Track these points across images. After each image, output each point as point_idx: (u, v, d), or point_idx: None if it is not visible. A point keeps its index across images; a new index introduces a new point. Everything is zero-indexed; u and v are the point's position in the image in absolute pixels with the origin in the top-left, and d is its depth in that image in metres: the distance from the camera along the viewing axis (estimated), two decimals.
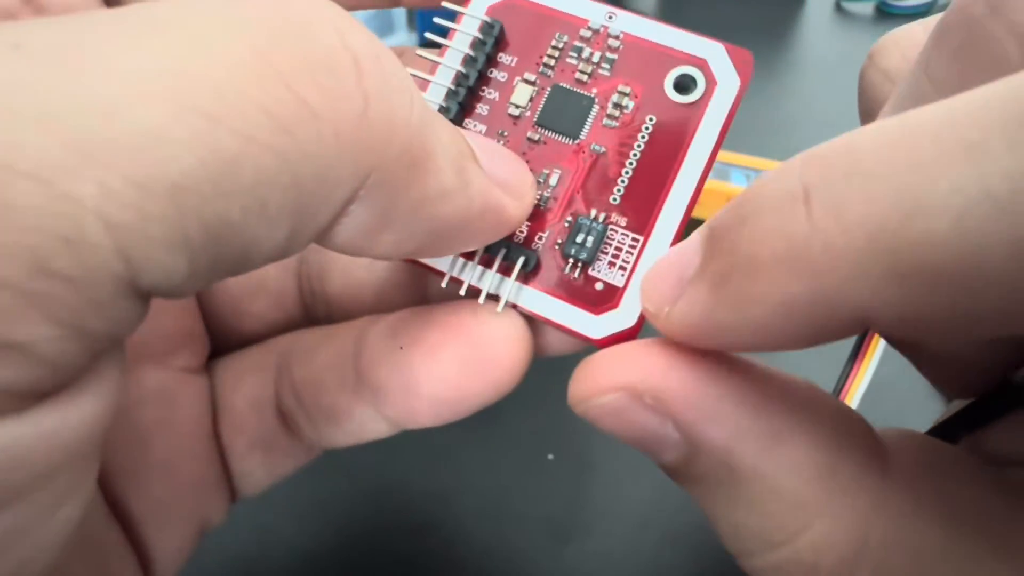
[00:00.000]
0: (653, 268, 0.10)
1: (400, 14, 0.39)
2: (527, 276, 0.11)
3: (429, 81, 0.12)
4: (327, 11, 0.08)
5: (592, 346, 0.12)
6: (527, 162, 0.11)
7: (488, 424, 0.21)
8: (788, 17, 0.45)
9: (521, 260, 0.10)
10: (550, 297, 0.11)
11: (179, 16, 0.07)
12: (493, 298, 0.11)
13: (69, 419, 0.07)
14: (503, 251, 0.10)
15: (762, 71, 0.39)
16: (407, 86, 0.08)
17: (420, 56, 0.12)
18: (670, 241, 0.11)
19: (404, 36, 0.40)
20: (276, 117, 0.07)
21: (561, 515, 0.19)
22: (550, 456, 0.20)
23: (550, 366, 0.24)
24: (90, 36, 0.07)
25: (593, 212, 0.11)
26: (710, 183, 0.28)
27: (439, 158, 0.09)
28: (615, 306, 0.11)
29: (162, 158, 0.07)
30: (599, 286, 0.11)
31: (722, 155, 0.29)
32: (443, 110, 0.11)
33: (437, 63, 0.11)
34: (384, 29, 0.39)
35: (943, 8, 0.42)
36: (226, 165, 0.07)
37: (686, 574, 0.18)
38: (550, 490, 0.20)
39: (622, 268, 0.11)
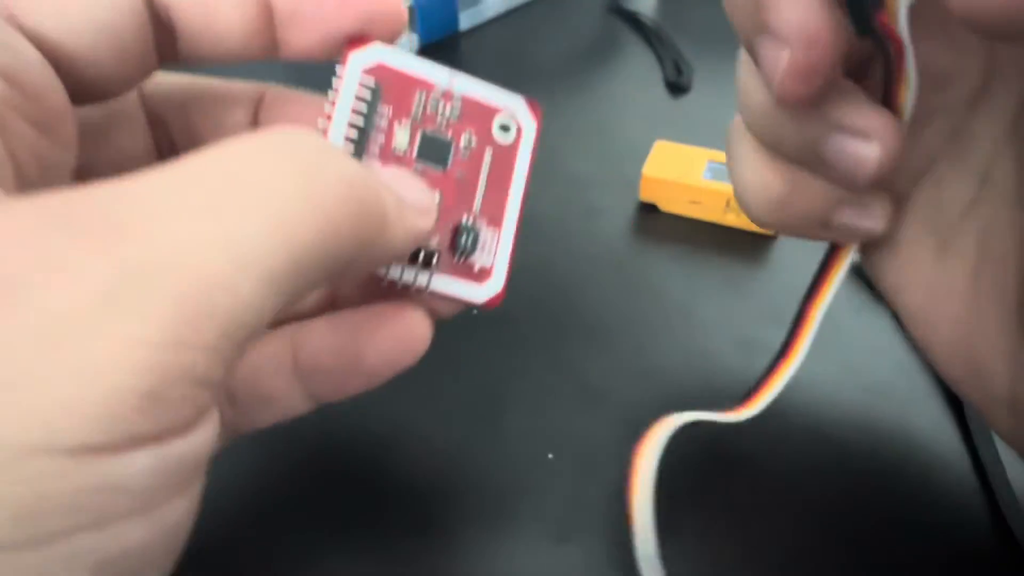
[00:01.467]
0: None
1: None
2: (432, 269, 0.15)
3: (328, 127, 0.14)
4: (328, 156, 0.11)
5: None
6: None
7: (488, 424, 0.21)
8: None
9: (430, 257, 0.15)
10: (449, 279, 0.15)
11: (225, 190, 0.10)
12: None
13: (213, 431, 0.10)
14: (419, 254, 0.15)
15: None
16: (376, 185, 0.12)
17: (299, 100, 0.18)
18: (514, 229, 0.16)
19: (404, 37, 0.40)
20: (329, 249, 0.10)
21: (561, 515, 0.19)
22: (550, 456, 0.21)
23: (550, 366, 0.24)
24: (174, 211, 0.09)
25: (466, 218, 0.16)
26: (710, 184, 0.28)
27: (393, 222, 0.12)
28: (490, 277, 0.16)
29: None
30: (477, 268, 0.16)
31: (722, 156, 0.29)
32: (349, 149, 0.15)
33: (330, 114, 0.14)
34: None
35: None
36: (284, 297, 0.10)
37: (685, 572, 0.18)
38: (550, 490, 0.20)
39: (489, 252, 0.16)
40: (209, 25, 0.13)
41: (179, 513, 0.10)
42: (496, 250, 0.16)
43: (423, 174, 0.15)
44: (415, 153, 0.15)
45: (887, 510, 0.19)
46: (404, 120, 0.15)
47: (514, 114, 0.16)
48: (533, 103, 0.16)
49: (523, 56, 0.41)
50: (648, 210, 0.29)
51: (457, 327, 0.23)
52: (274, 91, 0.16)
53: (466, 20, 0.43)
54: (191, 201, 0.09)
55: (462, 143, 0.16)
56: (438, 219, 0.15)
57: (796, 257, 0.27)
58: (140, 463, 0.09)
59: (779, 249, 0.28)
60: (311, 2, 0.13)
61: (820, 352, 0.24)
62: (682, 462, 0.20)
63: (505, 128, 0.16)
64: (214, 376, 0.09)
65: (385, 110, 0.15)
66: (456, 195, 0.15)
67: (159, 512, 0.09)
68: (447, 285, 0.15)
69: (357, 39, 0.14)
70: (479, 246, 0.16)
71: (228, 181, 0.10)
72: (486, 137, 0.16)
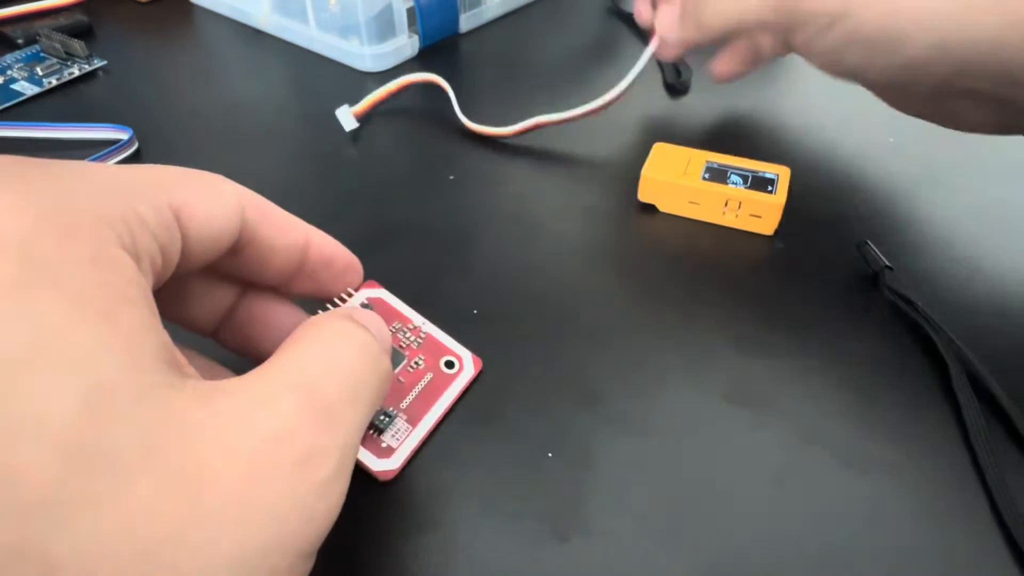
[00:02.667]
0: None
1: (401, 17, 0.39)
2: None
3: None
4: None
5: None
6: None
7: (488, 423, 0.21)
8: None
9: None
10: (360, 447, 0.20)
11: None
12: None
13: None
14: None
15: (761, 71, 0.39)
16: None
17: None
18: (425, 433, 0.21)
19: (405, 39, 0.40)
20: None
21: (560, 514, 0.19)
22: (550, 455, 0.21)
23: (550, 366, 0.24)
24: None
25: (391, 408, 0.21)
26: (709, 184, 0.28)
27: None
28: (390, 456, 0.20)
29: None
30: (384, 446, 0.20)
31: (720, 157, 0.29)
32: None
33: None
34: (386, 32, 0.39)
35: None
36: None
37: (685, 572, 0.18)
38: (550, 489, 0.20)
39: (398, 439, 0.20)
40: (264, 262, 0.18)
41: None
42: (404, 440, 0.20)
43: None
44: None
45: (885, 509, 0.19)
46: None
47: (461, 358, 0.22)
48: (477, 359, 0.23)
49: (523, 57, 0.41)
50: (647, 211, 0.29)
51: (457, 327, 0.23)
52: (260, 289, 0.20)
53: (466, 22, 0.43)
54: (346, 397, 0.14)
55: (413, 361, 0.22)
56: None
57: (794, 257, 0.27)
58: (309, 565, 0.14)
59: (777, 249, 0.28)
60: (324, 272, 0.19)
61: (820, 353, 0.24)
62: (681, 458, 0.21)
63: (450, 365, 0.22)
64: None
65: None
66: (394, 392, 0.21)
67: None
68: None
69: (370, 282, 0.21)
70: (391, 431, 0.20)
71: (354, 382, 0.15)
72: (432, 365, 0.22)
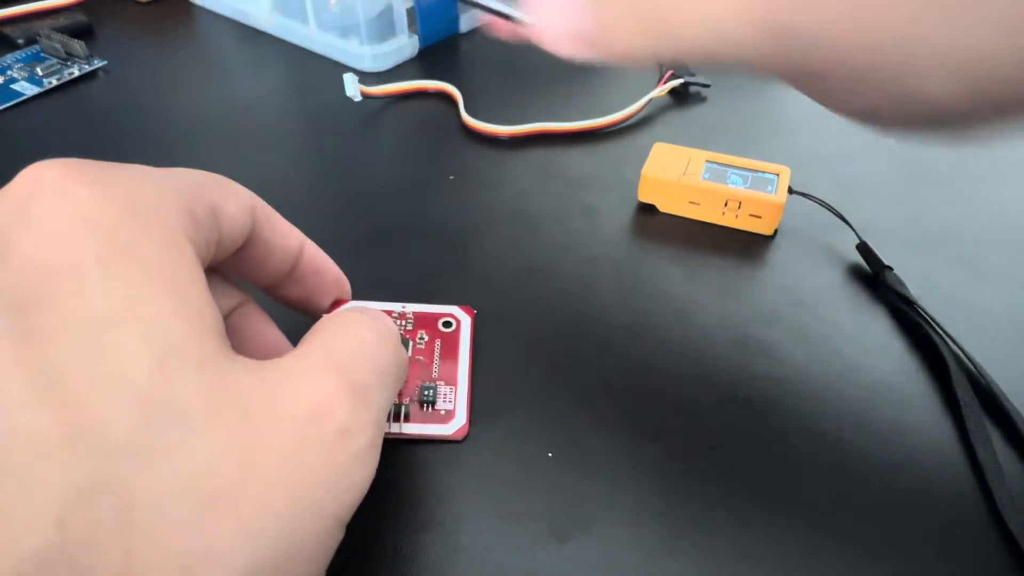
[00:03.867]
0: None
1: (401, 17, 0.39)
2: (401, 421, 0.21)
3: None
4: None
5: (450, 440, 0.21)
6: None
7: (488, 422, 0.21)
8: None
9: (398, 412, 0.21)
10: (421, 425, 0.21)
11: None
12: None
13: None
14: (397, 411, 0.21)
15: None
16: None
17: None
18: (467, 383, 0.22)
19: (405, 39, 0.40)
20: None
21: (560, 513, 0.19)
22: (549, 454, 0.21)
23: (550, 365, 0.24)
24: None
25: (426, 383, 0.22)
26: (709, 184, 0.28)
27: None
28: (454, 418, 0.21)
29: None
30: (443, 412, 0.21)
31: (720, 157, 0.29)
32: None
33: None
34: (386, 32, 0.39)
35: None
36: None
37: (685, 572, 0.18)
38: (550, 489, 0.20)
39: (449, 401, 0.21)
40: (260, 262, 0.19)
41: None
42: (455, 399, 0.22)
43: None
44: None
45: (885, 509, 0.19)
46: None
47: (453, 315, 0.24)
48: (466, 308, 0.24)
49: (523, 57, 0.41)
50: (647, 210, 0.29)
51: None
52: (251, 308, 0.21)
53: (466, 22, 0.43)
54: (375, 379, 0.16)
55: (417, 339, 0.23)
56: (406, 386, 0.22)
57: (794, 257, 0.27)
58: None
59: (776, 249, 0.28)
60: (312, 280, 0.20)
61: (820, 354, 0.24)
62: (681, 456, 0.21)
63: (448, 324, 0.24)
64: None
65: None
66: (419, 371, 0.22)
67: None
68: (419, 428, 0.21)
69: (340, 301, 0.22)
70: (439, 398, 0.21)
71: (379, 362, 0.16)
72: (435, 333, 0.23)
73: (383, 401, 0.16)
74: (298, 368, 0.15)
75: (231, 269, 0.19)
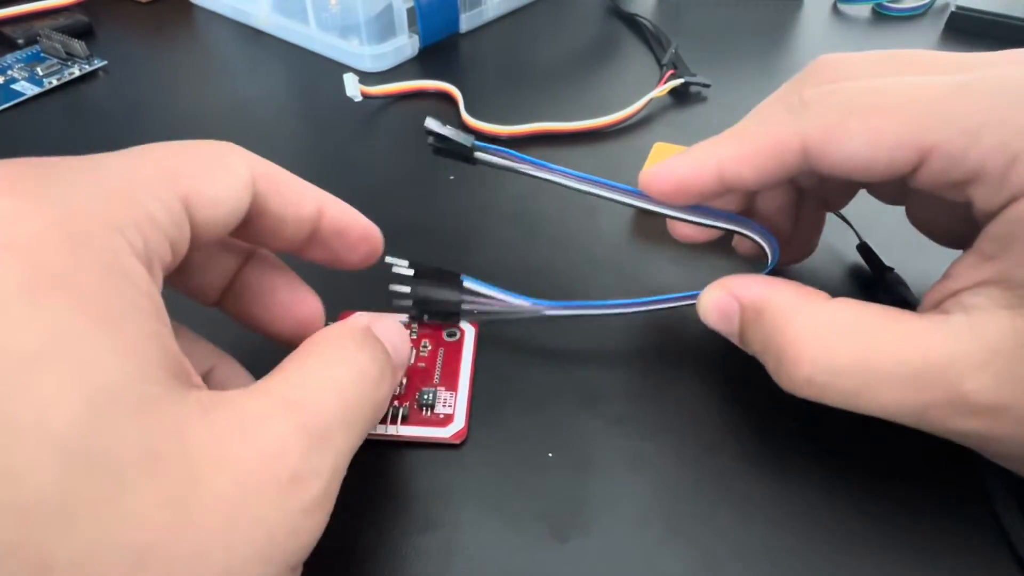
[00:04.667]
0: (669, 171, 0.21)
1: (401, 17, 0.39)
2: (399, 423, 0.21)
3: None
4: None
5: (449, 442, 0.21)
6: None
7: (488, 422, 0.21)
8: (786, 19, 0.45)
9: (396, 415, 0.21)
10: (419, 427, 0.21)
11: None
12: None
13: None
14: (395, 414, 0.21)
15: (760, 73, 0.39)
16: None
17: None
18: (467, 389, 0.22)
19: (405, 39, 0.40)
20: None
21: (560, 513, 0.19)
22: (550, 455, 0.21)
23: (550, 365, 0.24)
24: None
25: (426, 388, 0.22)
26: None
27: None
28: (452, 421, 0.21)
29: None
30: (441, 416, 0.21)
31: None
32: None
33: None
34: (386, 32, 0.39)
35: (938, 12, 0.42)
36: None
37: (685, 572, 0.18)
38: (550, 489, 0.20)
39: (448, 406, 0.22)
40: (275, 232, 0.18)
41: None
42: (454, 404, 0.22)
43: None
44: None
45: (885, 509, 0.19)
46: None
47: (458, 326, 0.24)
48: (475, 324, 0.24)
49: (523, 57, 0.41)
50: (647, 211, 0.29)
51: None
52: (263, 254, 0.21)
53: (466, 22, 0.43)
54: (340, 420, 0.15)
55: (420, 347, 0.23)
56: (405, 391, 0.22)
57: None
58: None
59: None
60: (337, 241, 0.19)
61: None
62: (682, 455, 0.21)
63: (452, 334, 0.24)
64: None
65: None
66: (420, 376, 0.22)
67: None
68: (417, 431, 0.21)
69: (346, 313, 0.23)
70: (438, 403, 0.22)
71: (349, 404, 0.15)
72: (438, 342, 0.23)
73: (346, 445, 0.15)
74: (252, 407, 0.14)
75: (240, 239, 0.18)
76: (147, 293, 0.13)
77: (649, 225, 0.29)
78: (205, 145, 0.16)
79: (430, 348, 0.23)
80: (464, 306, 0.23)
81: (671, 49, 0.39)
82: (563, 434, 0.21)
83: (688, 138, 0.32)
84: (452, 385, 0.22)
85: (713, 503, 0.19)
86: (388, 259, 0.22)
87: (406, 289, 0.23)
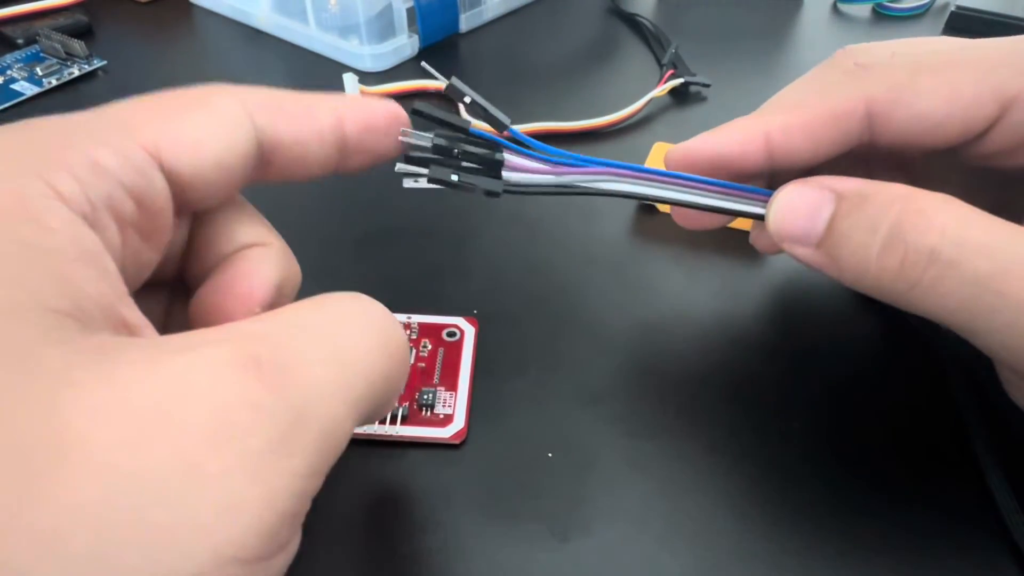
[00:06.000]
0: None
1: (401, 16, 0.39)
2: (398, 423, 0.21)
3: None
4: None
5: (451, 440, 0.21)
6: None
7: (488, 422, 0.21)
8: (786, 19, 0.45)
9: (395, 416, 0.21)
10: (419, 428, 0.21)
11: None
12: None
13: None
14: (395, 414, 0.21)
15: (760, 73, 0.39)
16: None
17: None
18: (467, 389, 0.22)
19: (404, 39, 0.40)
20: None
21: (560, 513, 0.19)
22: (550, 455, 0.21)
23: (550, 366, 0.24)
24: None
25: (426, 388, 0.22)
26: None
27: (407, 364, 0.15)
28: (452, 421, 0.21)
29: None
30: (441, 417, 0.21)
31: None
32: None
33: None
34: (386, 32, 0.39)
35: (938, 12, 0.42)
36: None
37: (685, 572, 0.18)
38: (550, 489, 0.20)
39: (448, 406, 0.21)
40: (300, 160, 0.16)
41: None
42: (454, 404, 0.21)
43: None
44: None
45: (885, 509, 0.19)
46: None
47: (457, 325, 0.24)
48: (470, 319, 0.24)
49: (523, 57, 0.41)
50: (647, 211, 0.29)
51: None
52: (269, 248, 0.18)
53: (466, 22, 0.43)
54: (322, 353, 0.12)
55: (420, 347, 0.23)
56: (405, 391, 0.21)
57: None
58: (281, 562, 0.11)
59: None
60: (369, 138, 0.17)
61: (820, 355, 0.24)
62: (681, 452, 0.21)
63: (452, 334, 0.24)
64: (319, 489, 0.12)
65: None
66: (420, 376, 0.22)
67: None
68: (417, 431, 0.21)
69: None
70: (438, 403, 0.21)
71: (342, 340, 0.13)
72: (438, 342, 0.23)
73: (329, 381, 0.12)
74: (184, 342, 0.11)
75: (271, 179, 0.16)
76: (60, 232, 0.11)
77: (649, 225, 0.29)
78: (185, 91, 0.15)
79: (430, 348, 0.23)
80: (505, 174, 0.19)
81: (671, 49, 0.39)
82: (563, 434, 0.21)
83: (688, 138, 0.32)
84: (452, 385, 0.22)
85: (713, 503, 0.19)
86: (424, 64, 0.19)
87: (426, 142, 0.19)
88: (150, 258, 0.14)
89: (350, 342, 0.13)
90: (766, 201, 0.18)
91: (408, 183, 0.18)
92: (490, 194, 0.18)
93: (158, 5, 0.46)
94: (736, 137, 0.18)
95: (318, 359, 0.12)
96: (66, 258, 0.11)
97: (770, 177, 0.20)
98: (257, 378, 0.10)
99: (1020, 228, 0.15)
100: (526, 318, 0.25)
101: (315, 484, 0.11)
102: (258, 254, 0.16)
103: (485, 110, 0.19)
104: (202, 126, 0.14)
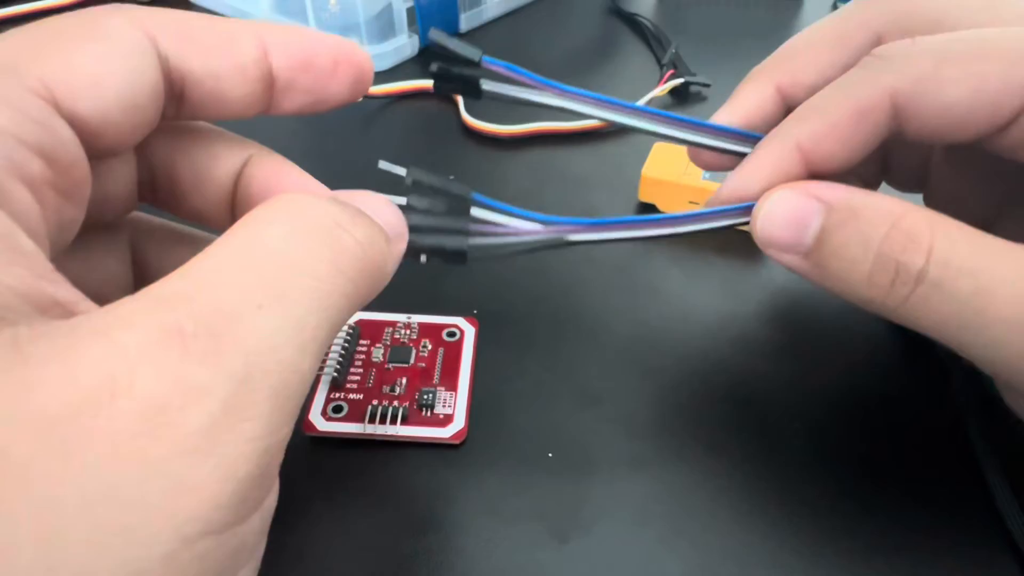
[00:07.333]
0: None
1: (401, 16, 0.39)
2: (398, 424, 0.21)
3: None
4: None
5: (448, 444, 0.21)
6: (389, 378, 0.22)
7: (488, 422, 0.21)
8: (785, 19, 0.45)
9: (396, 415, 0.21)
10: (419, 428, 0.21)
11: None
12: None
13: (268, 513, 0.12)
14: (395, 414, 0.21)
15: None
16: None
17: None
18: (467, 388, 0.22)
19: (404, 39, 0.40)
20: None
21: (560, 513, 0.19)
22: (549, 454, 0.21)
23: (550, 366, 0.24)
24: None
25: (426, 388, 0.22)
26: (709, 184, 0.28)
27: (388, 261, 0.14)
28: (452, 421, 0.21)
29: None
30: (441, 416, 0.21)
31: None
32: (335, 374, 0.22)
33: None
34: (386, 32, 0.39)
35: None
36: None
37: (685, 572, 0.18)
38: (550, 489, 0.20)
39: (448, 406, 0.21)
40: (217, 97, 0.14)
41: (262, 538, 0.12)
42: (454, 404, 0.21)
43: (395, 370, 0.22)
44: (387, 358, 0.23)
45: (885, 509, 0.19)
46: (378, 344, 0.23)
47: (457, 325, 0.24)
48: (471, 319, 0.24)
49: (523, 57, 0.41)
50: (647, 211, 0.29)
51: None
52: (260, 154, 0.17)
53: (466, 22, 0.43)
54: (259, 296, 0.11)
55: (420, 347, 0.23)
56: (406, 391, 0.22)
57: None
58: (258, 519, 0.11)
59: None
60: (306, 77, 0.15)
61: (820, 355, 0.24)
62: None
63: (452, 334, 0.24)
64: (289, 436, 0.11)
65: (364, 342, 0.23)
66: (420, 376, 0.22)
67: (259, 548, 0.12)
68: (417, 431, 0.21)
69: None
70: (438, 403, 0.21)
71: (278, 271, 0.11)
72: (438, 341, 0.23)
73: (269, 328, 0.10)
74: (99, 322, 0.10)
75: (181, 117, 0.14)
76: None
77: None
78: (69, 17, 0.13)
79: (430, 348, 0.23)
80: (471, 239, 0.18)
81: (671, 49, 0.39)
82: (563, 434, 0.21)
83: None
84: (452, 385, 0.22)
85: (713, 503, 0.19)
86: (382, 164, 0.17)
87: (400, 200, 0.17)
88: (74, 216, 0.13)
89: (289, 272, 0.11)
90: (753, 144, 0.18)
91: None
92: (455, 256, 0.18)
93: (158, 6, 0.46)
94: (774, 164, 0.17)
95: (254, 306, 0.10)
96: None
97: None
98: (184, 353, 0.10)
99: (1007, 246, 0.15)
100: (526, 318, 0.25)
101: (279, 438, 0.11)
102: (270, 165, 0.16)
103: (446, 191, 0.18)
104: (98, 59, 0.12)
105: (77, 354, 0.09)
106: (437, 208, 0.17)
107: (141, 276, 0.17)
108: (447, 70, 0.18)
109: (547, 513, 0.19)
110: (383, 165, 0.17)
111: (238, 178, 0.16)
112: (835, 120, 0.17)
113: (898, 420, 0.22)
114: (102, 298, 0.11)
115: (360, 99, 0.16)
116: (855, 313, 0.25)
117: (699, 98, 0.37)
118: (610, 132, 0.34)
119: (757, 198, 0.18)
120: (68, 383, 0.09)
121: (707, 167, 0.21)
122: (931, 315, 0.15)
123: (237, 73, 0.14)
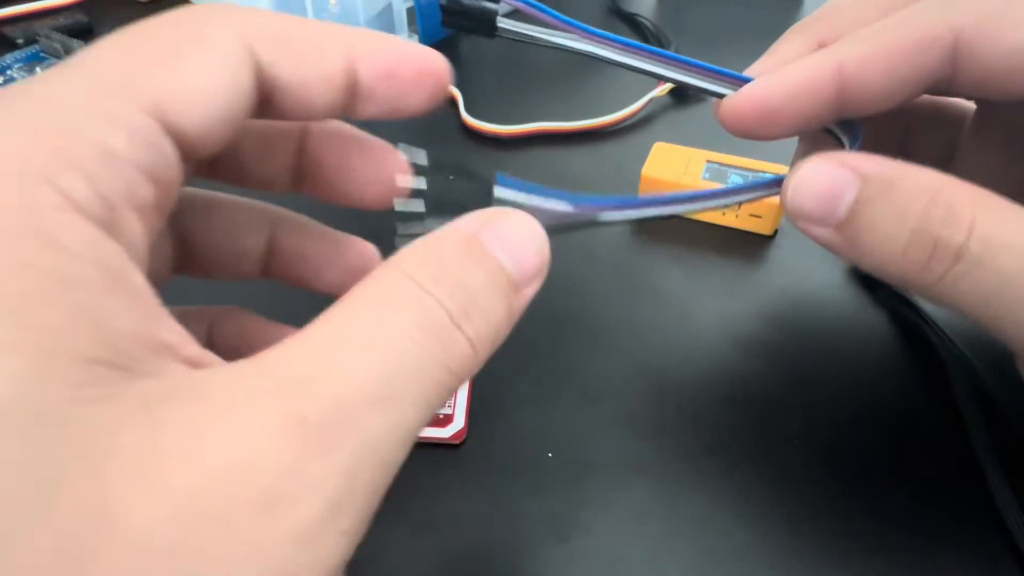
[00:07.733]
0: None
1: (401, 16, 0.39)
2: None
3: None
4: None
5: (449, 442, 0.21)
6: None
7: (488, 422, 0.21)
8: (786, 19, 0.45)
9: None
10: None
11: None
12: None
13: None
14: None
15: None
16: None
17: None
18: (467, 390, 0.22)
19: (405, 38, 0.40)
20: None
21: (560, 513, 0.19)
22: (549, 454, 0.21)
23: (550, 366, 0.24)
24: None
25: None
26: (709, 184, 0.28)
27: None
28: (452, 422, 0.21)
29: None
30: (441, 416, 0.21)
31: (720, 157, 0.29)
32: None
33: None
34: (386, 31, 0.39)
35: None
36: None
37: (685, 572, 0.18)
38: (549, 488, 0.20)
39: (448, 406, 0.21)
40: (302, 103, 0.14)
41: None
42: (454, 404, 0.22)
43: None
44: None
45: (885, 508, 0.19)
46: None
47: None
48: None
49: (523, 57, 0.41)
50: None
51: None
52: (289, 219, 0.18)
53: None
54: (375, 391, 0.11)
55: None
56: None
57: (793, 258, 0.27)
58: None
59: (776, 249, 0.28)
60: (388, 88, 0.15)
61: (820, 354, 0.24)
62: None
63: None
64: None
65: None
66: None
67: None
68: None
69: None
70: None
71: (397, 372, 0.11)
72: None
73: (382, 429, 0.11)
74: (230, 395, 0.10)
75: (268, 118, 0.14)
76: (84, 256, 0.10)
77: (650, 225, 0.29)
78: (172, 21, 0.12)
79: None
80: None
81: (671, 49, 0.39)
82: (563, 434, 0.21)
83: (688, 138, 0.32)
84: None
85: (713, 503, 0.19)
86: (400, 147, 0.17)
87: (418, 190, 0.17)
88: (160, 224, 0.12)
89: (405, 375, 0.11)
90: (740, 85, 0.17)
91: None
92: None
93: (158, 5, 0.46)
94: (807, 71, 0.16)
95: (369, 403, 0.11)
96: (94, 290, 0.10)
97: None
98: (304, 446, 0.10)
99: None
100: (526, 318, 0.25)
101: (364, 530, 0.11)
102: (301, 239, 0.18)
103: (469, 174, 0.17)
104: (204, 73, 0.12)
105: (206, 431, 0.09)
106: (459, 190, 0.17)
107: (181, 240, 0.17)
108: (459, 2, 0.17)
109: (547, 513, 0.19)
110: (401, 148, 0.17)
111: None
112: (889, 48, 0.15)
113: (898, 420, 0.22)
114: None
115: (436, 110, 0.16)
116: (855, 313, 0.25)
117: (699, 98, 0.37)
118: (610, 132, 0.34)
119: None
120: (197, 461, 0.09)
121: (739, 122, 0.18)
122: (969, 293, 0.14)
123: (324, 82, 0.14)
